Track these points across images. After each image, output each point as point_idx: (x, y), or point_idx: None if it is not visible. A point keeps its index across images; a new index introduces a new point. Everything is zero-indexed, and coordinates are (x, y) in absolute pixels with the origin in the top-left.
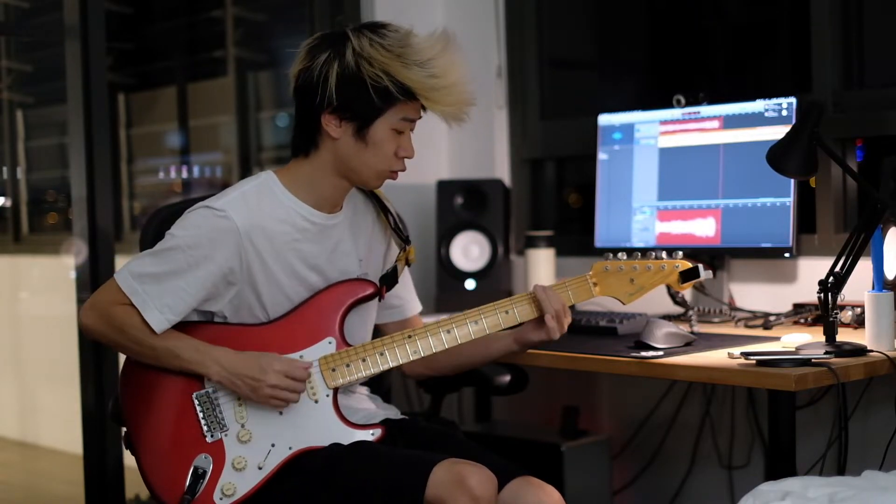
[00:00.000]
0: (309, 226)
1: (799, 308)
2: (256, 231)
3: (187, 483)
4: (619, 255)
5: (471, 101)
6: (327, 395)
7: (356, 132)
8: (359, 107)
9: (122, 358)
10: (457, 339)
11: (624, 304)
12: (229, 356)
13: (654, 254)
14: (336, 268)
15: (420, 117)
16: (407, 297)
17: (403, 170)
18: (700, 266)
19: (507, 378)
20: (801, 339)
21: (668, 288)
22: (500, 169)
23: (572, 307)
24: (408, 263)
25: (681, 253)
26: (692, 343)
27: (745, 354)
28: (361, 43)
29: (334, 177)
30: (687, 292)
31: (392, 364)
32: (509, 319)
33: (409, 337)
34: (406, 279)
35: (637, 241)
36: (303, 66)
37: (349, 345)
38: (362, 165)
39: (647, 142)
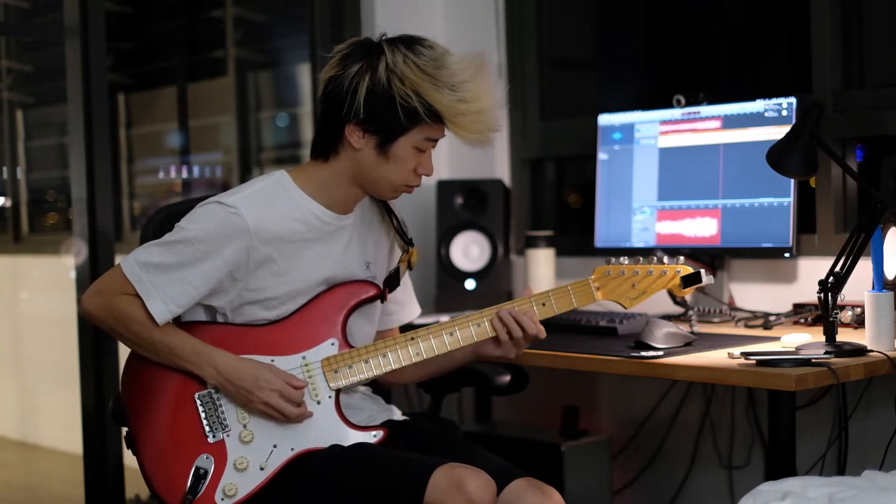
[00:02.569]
0: (321, 225)
1: (799, 308)
2: (267, 230)
3: (189, 483)
4: (622, 258)
5: (496, 127)
6: (329, 397)
7: (378, 146)
8: (385, 123)
9: (122, 358)
10: (459, 342)
11: (626, 308)
12: (228, 362)
13: (655, 258)
14: (345, 269)
15: (443, 136)
16: (405, 301)
17: (419, 185)
18: (702, 271)
19: (507, 378)
20: (801, 339)
21: (669, 291)
22: (500, 169)
23: (574, 309)
24: (410, 266)
25: (682, 258)
26: (692, 343)
27: (745, 354)
28: (395, 58)
29: (350, 184)
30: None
31: (394, 366)
32: None
33: (412, 339)
34: (405, 284)
35: (637, 241)
36: (333, 73)
37: (352, 346)
38: (380, 178)
39: (647, 142)
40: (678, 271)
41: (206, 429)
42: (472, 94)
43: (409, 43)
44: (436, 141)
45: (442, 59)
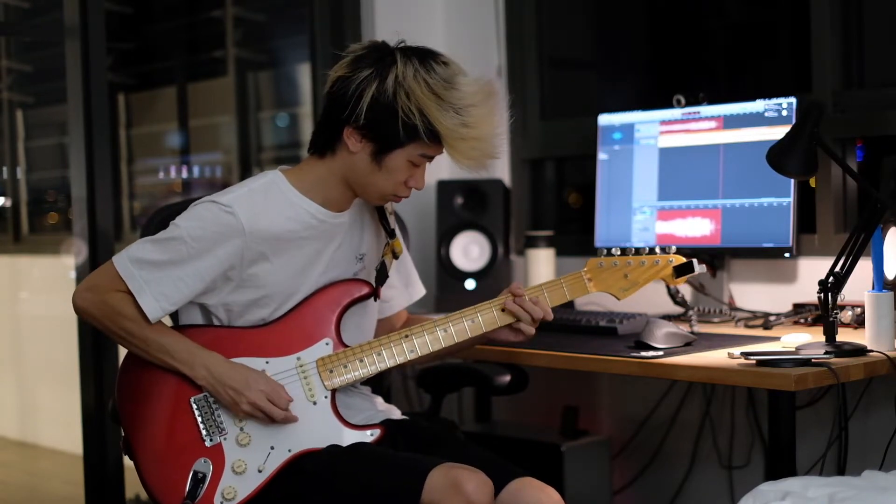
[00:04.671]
0: (316, 223)
1: (799, 308)
2: (262, 228)
3: (187, 488)
4: (614, 250)
5: (494, 155)
6: (325, 397)
7: (373, 154)
8: (383, 133)
9: (121, 358)
10: (453, 338)
11: (618, 299)
12: (219, 363)
13: (648, 249)
14: (338, 265)
15: (440, 154)
16: (401, 285)
17: (408, 197)
18: (694, 261)
19: (507, 378)
20: (801, 339)
21: (667, 286)
22: (500, 169)
23: (570, 304)
24: (395, 256)
25: (674, 247)
26: (692, 343)
27: (745, 354)
28: (406, 71)
29: (342, 184)
30: (687, 292)
31: (389, 364)
32: (505, 317)
33: (406, 336)
34: (401, 269)
35: (637, 241)
36: (343, 73)
37: (346, 345)
38: (370, 185)
39: (647, 142)
40: (670, 261)
41: (203, 432)
42: (475, 119)
43: (423, 57)
44: (431, 158)
45: (453, 79)
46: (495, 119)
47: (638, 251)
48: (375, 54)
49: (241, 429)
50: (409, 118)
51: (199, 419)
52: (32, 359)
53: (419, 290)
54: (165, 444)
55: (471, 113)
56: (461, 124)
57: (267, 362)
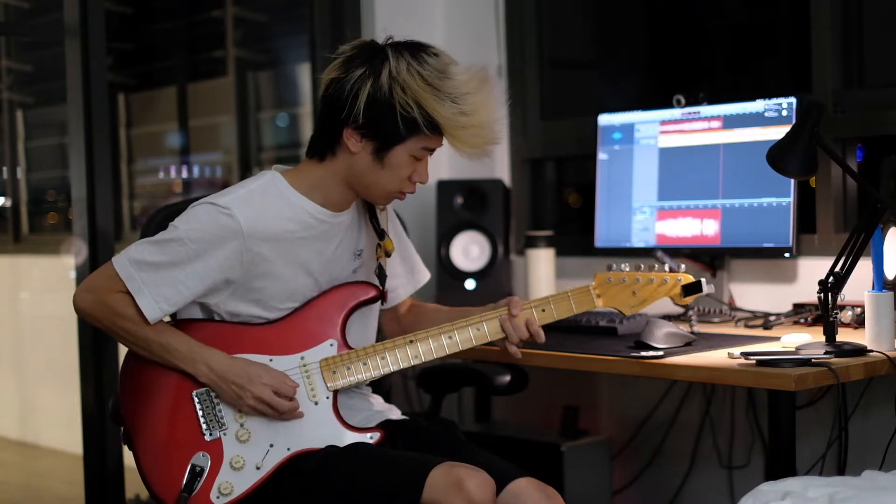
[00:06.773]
0: (316, 223)
1: (799, 308)
2: (260, 230)
3: (184, 481)
4: (623, 265)
5: (495, 141)
6: (327, 398)
7: (375, 152)
8: (383, 130)
9: (122, 358)
10: (458, 345)
11: (626, 315)
12: (220, 359)
13: (657, 266)
14: (337, 264)
15: (441, 146)
16: (404, 272)
17: (413, 192)
18: (703, 280)
19: (507, 378)
20: (801, 339)
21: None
22: (500, 169)
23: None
24: (387, 254)
25: (684, 266)
26: (692, 343)
27: (745, 354)
28: (399, 66)
29: (344, 186)
30: None
31: (393, 368)
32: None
33: (411, 342)
34: (405, 256)
35: (637, 241)
36: (336, 75)
37: (351, 347)
38: (374, 184)
39: (647, 142)
40: (679, 280)
41: (203, 427)
42: (472, 107)
43: (414, 50)
44: (433, 150)
45: (446, 69)
46: (492, 105)
47: (647, 263)
48: (366, 53)
49: (242, 425)
50: (407, 112)
51: (200, 413)
52: (32, 359)
53: (424, 275)
54: (165, 436)
55: (468, 101)
56: (459, 112)
57: (270, 360)
